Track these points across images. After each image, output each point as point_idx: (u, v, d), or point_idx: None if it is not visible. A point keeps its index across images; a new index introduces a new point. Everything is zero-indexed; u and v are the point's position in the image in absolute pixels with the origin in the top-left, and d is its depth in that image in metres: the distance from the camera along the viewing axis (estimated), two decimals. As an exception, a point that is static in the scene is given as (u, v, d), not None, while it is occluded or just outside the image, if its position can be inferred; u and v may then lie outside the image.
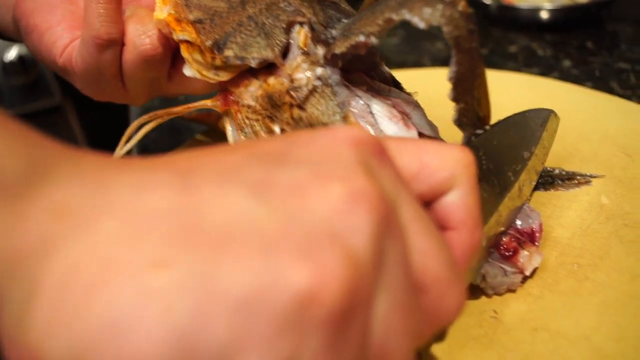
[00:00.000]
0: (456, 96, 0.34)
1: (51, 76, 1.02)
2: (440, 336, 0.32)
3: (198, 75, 0.37)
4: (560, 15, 0.72)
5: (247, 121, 0.37)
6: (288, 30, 0.36)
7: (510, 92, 0.54)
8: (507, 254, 0.34)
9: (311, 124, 0.35)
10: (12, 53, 0.96)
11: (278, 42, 0.36)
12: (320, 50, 0.35)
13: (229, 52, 0.36)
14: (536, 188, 0.41)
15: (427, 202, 0.25)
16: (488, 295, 0.34)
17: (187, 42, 0.37)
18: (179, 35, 0.37)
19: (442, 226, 0.25)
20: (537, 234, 0.36)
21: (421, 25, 0.31)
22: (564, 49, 0.69)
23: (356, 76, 0.38)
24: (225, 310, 0.17)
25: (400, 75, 0.43)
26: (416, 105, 0.38)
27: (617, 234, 0.37)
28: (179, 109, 0.40)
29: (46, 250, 0.17)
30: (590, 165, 0.43)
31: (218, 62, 0.36)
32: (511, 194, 0.35)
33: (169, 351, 0.16)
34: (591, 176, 0.42)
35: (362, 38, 0.34)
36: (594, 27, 0.72)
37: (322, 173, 0.20)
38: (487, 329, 0.33)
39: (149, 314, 0.16)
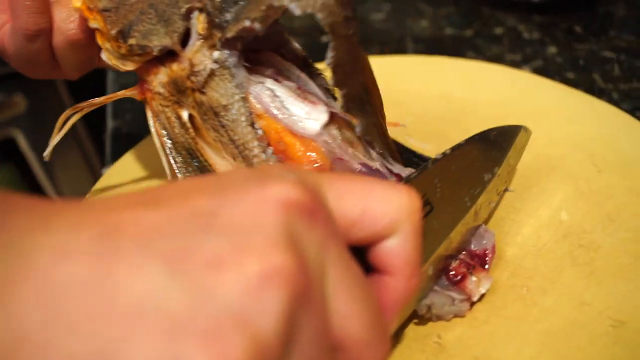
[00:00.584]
0: (338, 82, 0.34)
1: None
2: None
3: (110, 63, 0.38)
4: (551, -6, 0.70)
5: (160, 108, 0.37)
6: (187, 16, 0.36)
7: (485, 84, 0.52)
8: (455, 279, 0.34)
9: (212, 108, 0.35)
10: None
11: (177, 28, 0.36)
12: (217, 34, 0.35)
13: (132, 41, 0.36)
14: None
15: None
16: (434, 320, 0.34)
17: (98, 30, 0.37)
18: (91, 23, 0.37)
19: (379, 269, 0.25)
20: (489, 257, 0.36)
21: (297, 12, 0.32)
22: (551, 32, 0.67)
23: (265, 55, 0.39)
24: None
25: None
26: (325, 88, 0.39)
27: (571, 255, 0.37)
28: (100, 100, 0.40)
29: None
30: (557, 174, 0.43)
31: (123, 50, 0.36)
32: (465, 219, 0.34)
33: None
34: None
35: (247, 23, 0.34)
36: (585, 8, 0.70)
37: (241, 246, 0.20)
38: (429, 355, 0.33)
39: None
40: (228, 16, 0.35)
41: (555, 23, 0.68)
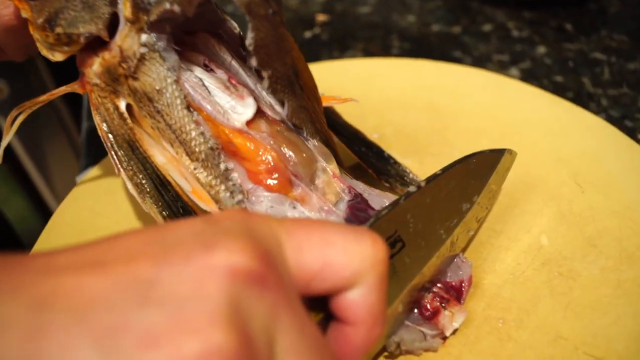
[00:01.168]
0: (260, 63, 0.34)
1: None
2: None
3: (42, 54, 0.37)
4: (542, -11, 0.68)
5: (99, 100, 0.37)
6: (113, 1, 0.35)
7: (470, 92, 0.51)
8: (427, 314, 0.33)
9: (146, 94, 0.35)
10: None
11: (102, 14, 0.35)
12: (143, 18, 0.34)
13: (58, 29, 0.35)
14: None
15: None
16: (403, 354, 0.33)
17: (28, 19, 0.36)
18: (22, 13, 0.36)
19: (340, 318, 0.24)
20: (465, 289, 0.35)
21: None
22: (540, 30, 0.65)
23: (200, 38, 0.38)
24: None
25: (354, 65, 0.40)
26: (258, 76, 0.37)
27: (549, 284, 0.36)
28: (43, 98, 0.39)
29: None
30: (539, 194, 0.42)
31: (51, 39, 0.35)
32: (440, 252, 0.33)
33: None
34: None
35: (167, 6, 0.33)
36: (577, 4, 0.68)
37: (180, 321, 0.19)
38: (400, 393, 0.32)
39: None
40: None
41: (546, 20, 0.66)
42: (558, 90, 0.56)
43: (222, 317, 0.19)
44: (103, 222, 0.44)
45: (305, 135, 0.37)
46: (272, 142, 0.36)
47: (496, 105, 0.49)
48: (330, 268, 0.23)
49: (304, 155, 0.36)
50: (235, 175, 0.35)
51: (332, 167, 0.37)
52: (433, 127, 0.48)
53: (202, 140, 0.35)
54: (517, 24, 0.66)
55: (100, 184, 0.47)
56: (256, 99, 0.37)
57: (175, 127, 0.35)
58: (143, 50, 0.34)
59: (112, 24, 0.35)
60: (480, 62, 0.61)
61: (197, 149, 0.35)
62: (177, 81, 0.35)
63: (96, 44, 0.36)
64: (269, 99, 0.38)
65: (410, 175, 0.43)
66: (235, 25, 0.39)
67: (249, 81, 0.38)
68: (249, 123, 0.36)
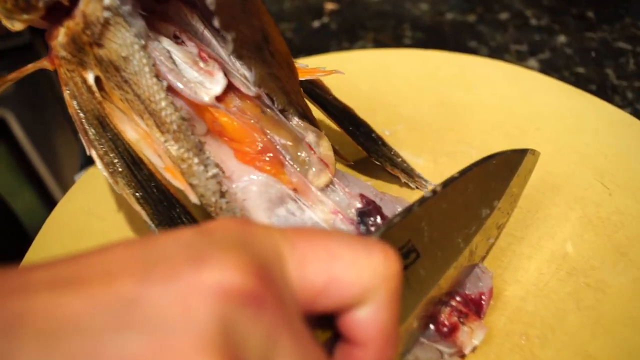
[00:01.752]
0: (223, 24, 0.31)
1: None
2: None
3: (2, 22, 0.34)
4: (561, -25, 0.64)
5: (68, 74, 0.34)
6: None
7: (485, 85, 0.48)
8: (445, 330, 0.30)
9: (112, 62, 0.32)
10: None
11: None
12: None
13: None
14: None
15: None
16: (420, 374, 0.31)
17: None
18: None
19: (348, 338, 0.22)
20: (485, 303, 0.32)
21: None
22: (560, 19, 0.61)
23: (172, 6, 0.36)
24: None
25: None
26: (222, 39, 0.35)
27: (576, 297, 0.33)
28: (12, 76, 0.36)
29: None
30: (562, 196, 0.39)
31: (9, 5, 0.33)
32: (458, 262, 0.30)
33: None
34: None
35: None
36: (599, -10, 0.65)
37: (163, 348, 0.16)
38: (415, 417, 0.29)
39: None
40: None
41: (566, 7, 0.63)
42: (580, 82, 0.53)
43: (211, 343, 0.17)
44: (99, 224, 0.42)
45: (277, 105, 0.35)
46: (252, 121, 0.34)
47: (515, 99, 0.46)
48: (336, 284, 0.21)
49: (285, 132, 0.34)
50: (208, 149, 0.33)
51: (325, 147, 0.35)
52: (448, 123, 0.45)
53: (172, 110, 0.32)
54: (536, 12, 0.63)
55: (97, 184, 0.45)
56: (227, 73, 0.35)
57: (144, 96, 0.33)
58: (106, 14, 0.32)
59: None
60: (497, 52, 0.58)
61: (167, 120, 0.32)
62: (144, 47, 0.32)
63: (62, 15, 0.33)
64: (242, 71, 0.35)
65: (399, 160, 0.41)
66: None
67: (222, 53, 0.36)
68: (219, 99, 0.34)
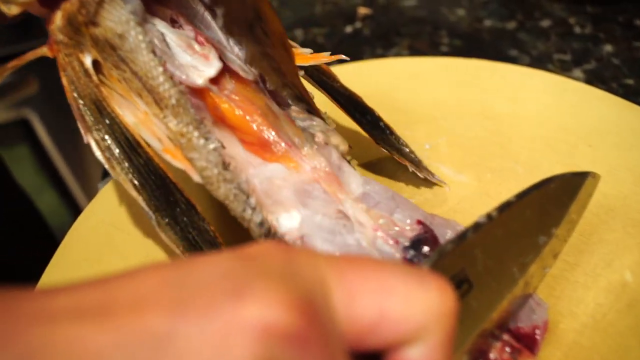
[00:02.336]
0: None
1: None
2: None
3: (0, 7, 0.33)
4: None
5: (66, 59, 0.34)
6: None
7: (531, 97, 0.45)
8: (495, 367, 0.28)
9: (108, 41, 0.32)
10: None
11: None
12: None
13: None
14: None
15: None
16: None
17: None
18: None
19: None
20: (539, 337, 0.29)
21: None
22: (606, 27, 0.58)
23: None
24: None
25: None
26: (212, 15, 0.35)
27: (636, 331, 0.31)
28: (12, 64, 0.35)
29: None
30: (618, 220, 0.36)
31: None
32: (512, 293, 0.28)
33: None
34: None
35: None
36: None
37: None
38: None
39: None
40: None
41: (612, 15, 0.60)
42: (629, 94, 0.50)
43: None
44: (122, 237, 0.40)
45: (269, 86, 0.35)
46: (254, 108, 0.33)
47: (562, 112, 0.44)
48: (387, 320, 0.19)
49: (289, 121, 0.34)
50: (207, 123, 0.32)
51: (343, 149, 0.34)
52: (491, 137, 0.43)
53: (170, 85, 0.31)
54: (579, 20, 0.60)
55: (120, 196, 0.43)
56: (225, 58, 0.34)
57: (141, 73, 0.32)
58: None
59: None
60: (539, 62, 0.55)
61: (166, 95, 0.32)
62: (139, 24, 0.31)
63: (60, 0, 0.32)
64: (242, 55, 0.35)
65: (407, 150, 0.40)
66: None
67: (222, 37, 0.35)
68: (215, 83, 0.34)
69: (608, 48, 0.56)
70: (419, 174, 0.39)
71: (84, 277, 0.18)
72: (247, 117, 0.33)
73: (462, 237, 0.27)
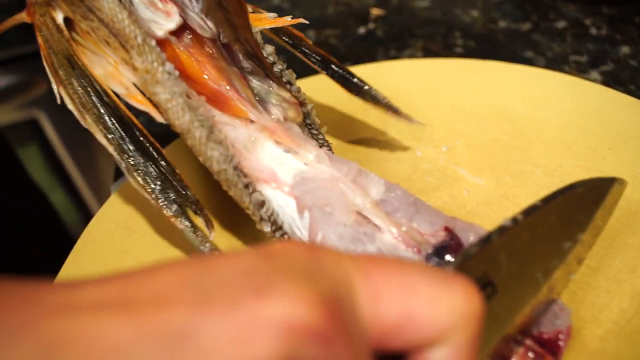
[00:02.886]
0: None
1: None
2: None
3: None
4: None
5: (41, 19, 0.36)
6: None
7: (549, 99, 0.45)
8: (519, 373, 0.28)
9: None
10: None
11: None
12: None
13: None
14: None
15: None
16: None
17: None
18: None
19: None
20: (563, 343, 0.29)
21: None
22: (622, 28, 0.58)
23: None
24: None
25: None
26: None
27: (662, 338, 0.30)
28: None
29: None
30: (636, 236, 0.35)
31: None
32: (536, 298, 0.28)
33: None
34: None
35: None
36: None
37: None
38: None
39: None
40: None
41: (628, 16, 0.59)
42: (647, 97, 0.49)
43: None
44: (137, 240, 0.40)
45: (222, 37, 0.36)
46: (211, 62, 0.36)
47: (581, 114, 0.43)
48: (412, 322, 0.19)
49: (235, 80, 0.36)
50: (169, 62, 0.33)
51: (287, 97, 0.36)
52: (510, 139, 0.42)
53: (135, 26, 0.33)
54: (595, 21, 0.59)
55: (135, 196, 0.43)
56: (184, 16, 0.36)
57: (107, 19, 0.34)
58: None
59: None
60: (555, 63, 0.55)
61: (132, 35, 0.33)
62: None
63: None
64: (199, 14, 0.36)
65: (381, 97, 0.40)
66: None
67: None
68: (175, 35, 0.35)
69: (625, 49, 0.55)
70: (396, 119, 0.40)
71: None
72: (203, 70, 0.35)
73: (486, 240, 0.26)
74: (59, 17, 0.35)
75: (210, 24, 0.36)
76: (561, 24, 0.60)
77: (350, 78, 0.41)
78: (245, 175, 0.32)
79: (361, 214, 0.30)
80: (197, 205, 0.34)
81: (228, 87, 0.35)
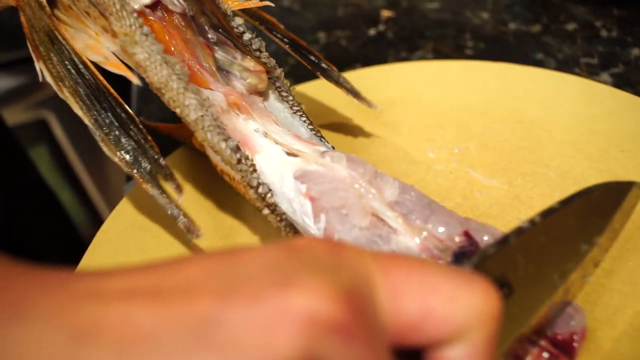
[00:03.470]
0: None
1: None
2: None
3: None
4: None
5: (24, 0, 0.37)
6: None
7: (561, 101, 0.45)
8: (534, 374, 0.28)
9: None
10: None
11: None
12: None
13: None
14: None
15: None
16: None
17: None
18: None
19: None
20: (577, 344, 0.29)
21: None
22: (633, 30, 0.58)
23: None
24: None
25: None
26: None
27: (677, 340, 0.30)
28: None
29: None
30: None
31: None
32: (551, 300, 0.28)
33: None
34: None
35: None
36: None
37: None
38: None
39: None
40: None
41: (638, 18, 0.59)
42: (659, 99, 0.49)
43: None
44: (151, 240, 0.40)
45: (191, 15, 0.38)
46: (177, 33, 0.37)
47: (593, 116, 0.43)
48: (431, 318, 0.19)
49: (199, 51, 0.37)
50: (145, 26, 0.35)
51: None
52: (522, 141, 0.42)
53: None
54: (606, 23, 0.60)
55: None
56: None
57: None
58: None
59: None
60: (565, 65, 0.55)
61: (110, 3, 0.34)
62: None
63: None
64: None
65: (343, 80, 0.42)
66: None
67: None
68: (149, 8, 0.37)
69: (635, 51, 0.55)
70: (357, 101, 0.42)
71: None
72: (172, 41, 0.37)
73: (504, 241, 0.27)
74: None
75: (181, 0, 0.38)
76: (571, 26, 0.60)
77: (319, 62, 0.42)
78: (221, 126, 0.34)
79: (377, 215, 0.30)
80: (167, 171, 0.35)
81: (191, 58, 0.37)
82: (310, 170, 0.33)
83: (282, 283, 0.17)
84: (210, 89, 0.37)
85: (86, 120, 0.36)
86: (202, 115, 0.33)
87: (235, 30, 0.38)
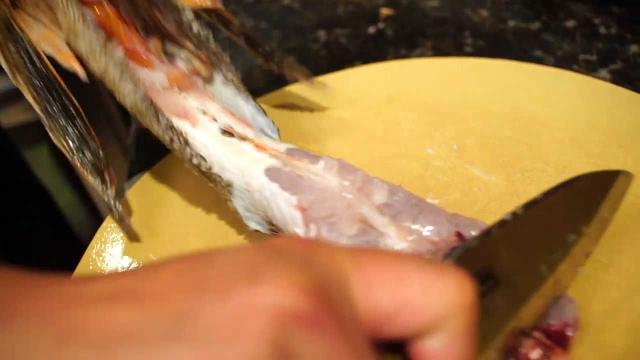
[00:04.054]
0: None
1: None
2: None
3: None
4: (632, -19, 0.61)
5: None
6: None
7: (560, 97, 0.45)
8: (529, 365, 0.28)
9: None
10: None
11: None
12: None
13: None
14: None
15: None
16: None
17: None
18: None
19: None
20: (571, 334, 0.29)
21: None
22: (632, 27, 0.58)
23: None
24: None
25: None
26: None
27: (674, 332, 0.30)
28: None
29: None
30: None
31: None
32: (541, 291, 0.28)
33: None
34: None
35: None
36: (672, -3, 0.61)
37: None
38: None
39: None
40: None
41: (638, 15, 0.60)
42: (657, 95, 0.50)
43: (262, 357, 0.17)
44: (152, 237, 0.41)
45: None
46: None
47: (592, 113, 0.44)
48: (406, 310, 0.20)
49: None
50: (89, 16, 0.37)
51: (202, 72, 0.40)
52: (520, 137, 0.43)
53: None
54: (604, 20, 0.60)
55: (150, 196, 0.43)
56: None
57: None
58: None
59: None
60: (564, 62, 0.55)
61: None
62: None
63: None
64: None
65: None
66: None
67: None
68: None
69: (634, 48, 0.55)
70: (310, 88, 0.45)
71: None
72: (119, 31, 0.39)
73: (486, 233, 0.27)
74: None
75: None
76: (571, 23, 0.60)
77: (271, 55, 0.45)
78: (156, 109, 0.36)
79: (365, 222, 0.31)
80: (105, 163, 0.38)
81: (138, 43, 0.39)
82: (292, 176, 0.33)
83: (252, 278, 0.18)
84: (152, 67, 0.39)
85: (37, 109, 0.37)
86: (136, 100, 0.35)
87: (185, 22, 0.39)
